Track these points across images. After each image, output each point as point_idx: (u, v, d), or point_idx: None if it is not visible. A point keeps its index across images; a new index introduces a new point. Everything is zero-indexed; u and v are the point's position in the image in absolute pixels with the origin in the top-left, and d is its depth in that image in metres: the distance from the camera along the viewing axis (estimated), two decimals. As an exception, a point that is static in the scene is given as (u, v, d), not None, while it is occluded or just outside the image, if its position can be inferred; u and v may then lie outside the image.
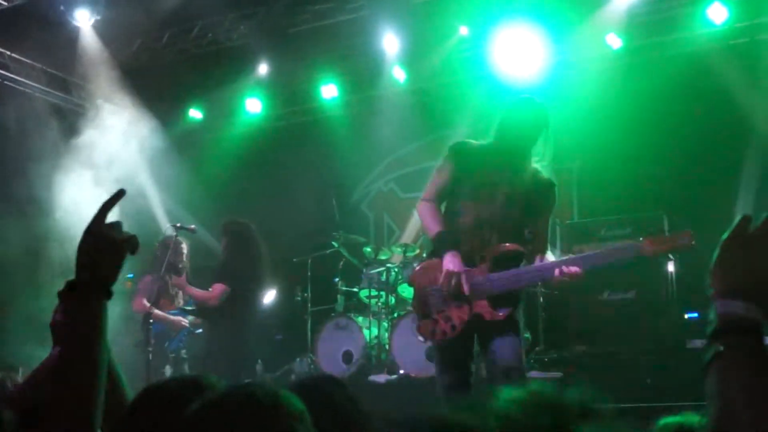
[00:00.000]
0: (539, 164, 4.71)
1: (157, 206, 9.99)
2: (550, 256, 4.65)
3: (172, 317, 7.58)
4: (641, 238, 4.16)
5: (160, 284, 7.09)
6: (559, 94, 9.14)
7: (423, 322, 4.77)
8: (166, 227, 7.75)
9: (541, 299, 8.21)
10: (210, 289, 6.89)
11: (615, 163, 9.20)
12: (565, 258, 4.49)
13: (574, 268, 4.30)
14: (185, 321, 7.62)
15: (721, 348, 1.37)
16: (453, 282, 4.56)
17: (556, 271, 4.36)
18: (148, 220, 9.38)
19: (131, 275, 7.63)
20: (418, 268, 5.00)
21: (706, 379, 1.37)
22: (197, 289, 7.07)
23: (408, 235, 10.27)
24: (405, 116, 10.41)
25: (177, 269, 7.37)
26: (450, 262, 4.57)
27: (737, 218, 1.47)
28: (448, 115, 9.95)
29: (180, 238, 7.43)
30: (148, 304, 6.76)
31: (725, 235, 1.47)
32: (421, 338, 5.23)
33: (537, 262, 4.60)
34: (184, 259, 7.59)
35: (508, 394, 1.30)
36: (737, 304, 1.40)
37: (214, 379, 1.83)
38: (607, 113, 9.10)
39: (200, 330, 7.49)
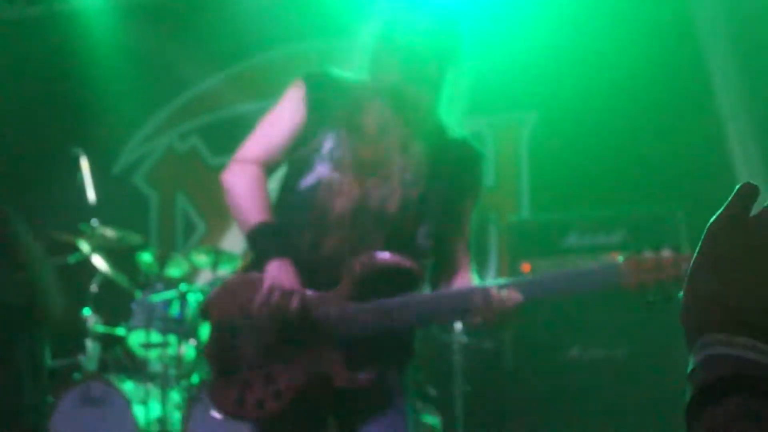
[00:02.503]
0: (451, 118, 3.39)
1: None
2: (475, 279, 3.25)
3: None
4: (621, 258, 2.99)
5: None
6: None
7: (222, 384, 3.28)
8: None
9: (458, 355, 6.07)
10: None
11: (596, 117, 6.84)
12: (497, 282, 3.18)
13: (512, 294, 2.96)
14: None
15: None
16: (277, 302, 3.05)
17: (478, 298, 3.00)
18: None
19: None
20: (220, 288, 3.48)
21: None
22: None
23: (228, 232, 7.91)
24: (218, 22, 8.06)
25: None
26: (278, 270, 3.07)
27: None
28: (295, 23, 7.65)
29: None
30: None
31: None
32: (217, 414, 3.75)
33: (445, 288, 3.23)
34: None
35: None
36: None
37: None
38: (584, 36, 6.87)
39: None
